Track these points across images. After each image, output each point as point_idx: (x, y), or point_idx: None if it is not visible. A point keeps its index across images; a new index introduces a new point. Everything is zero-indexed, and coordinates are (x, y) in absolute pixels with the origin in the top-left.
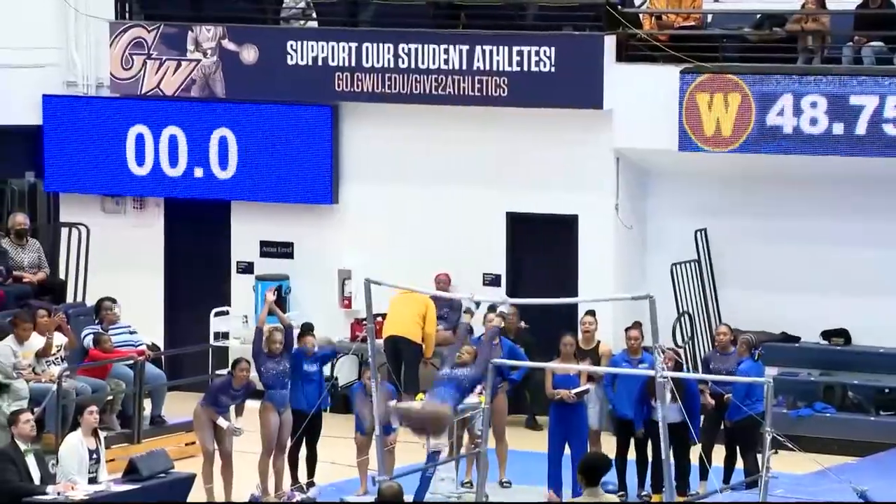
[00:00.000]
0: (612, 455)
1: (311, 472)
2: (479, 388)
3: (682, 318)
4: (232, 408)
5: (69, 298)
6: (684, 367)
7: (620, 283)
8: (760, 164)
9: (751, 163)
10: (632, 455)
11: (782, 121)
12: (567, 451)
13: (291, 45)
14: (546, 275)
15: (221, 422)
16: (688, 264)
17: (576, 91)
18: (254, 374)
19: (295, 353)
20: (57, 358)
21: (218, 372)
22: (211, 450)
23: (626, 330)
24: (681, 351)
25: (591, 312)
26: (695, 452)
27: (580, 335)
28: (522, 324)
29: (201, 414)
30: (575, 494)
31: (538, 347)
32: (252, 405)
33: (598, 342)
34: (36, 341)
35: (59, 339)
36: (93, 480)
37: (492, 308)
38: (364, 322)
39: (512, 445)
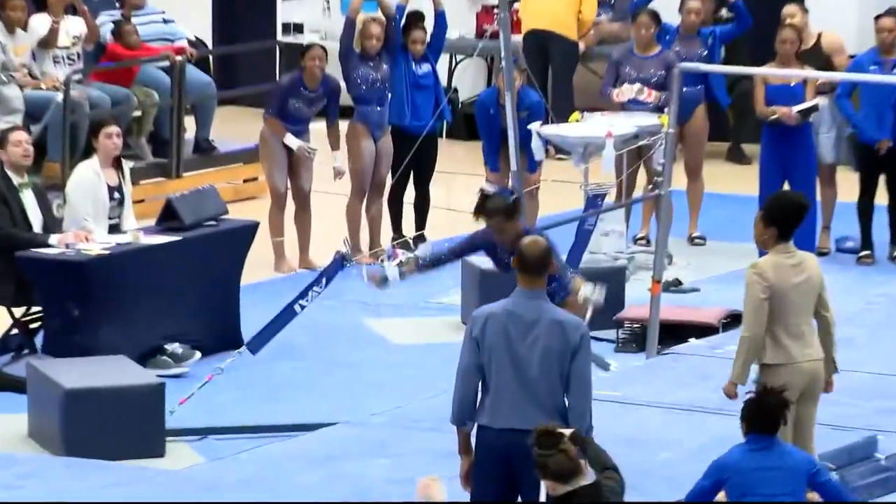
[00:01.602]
0: (853, 199)
1: (420, 222)
2: (653, 95)
3: None
4: (311, 127)
5: None
6: None
7: None
8: None
9: None
10: (882, 199)
11: None
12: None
13: None
14: None
15: (290, 139)
16: None
17: None
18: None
19: (398, 52)
20: (72, 54)
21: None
22: (282, 188)
23: (877, 19)
24: None
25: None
26: None
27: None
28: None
29: (267, 135)
30: None
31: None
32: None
33: (819, 35)
34: (38, 27)
35: (75, 25)
36: (114, 229)
37: None
38: (495, 10)
39: (709, 186)
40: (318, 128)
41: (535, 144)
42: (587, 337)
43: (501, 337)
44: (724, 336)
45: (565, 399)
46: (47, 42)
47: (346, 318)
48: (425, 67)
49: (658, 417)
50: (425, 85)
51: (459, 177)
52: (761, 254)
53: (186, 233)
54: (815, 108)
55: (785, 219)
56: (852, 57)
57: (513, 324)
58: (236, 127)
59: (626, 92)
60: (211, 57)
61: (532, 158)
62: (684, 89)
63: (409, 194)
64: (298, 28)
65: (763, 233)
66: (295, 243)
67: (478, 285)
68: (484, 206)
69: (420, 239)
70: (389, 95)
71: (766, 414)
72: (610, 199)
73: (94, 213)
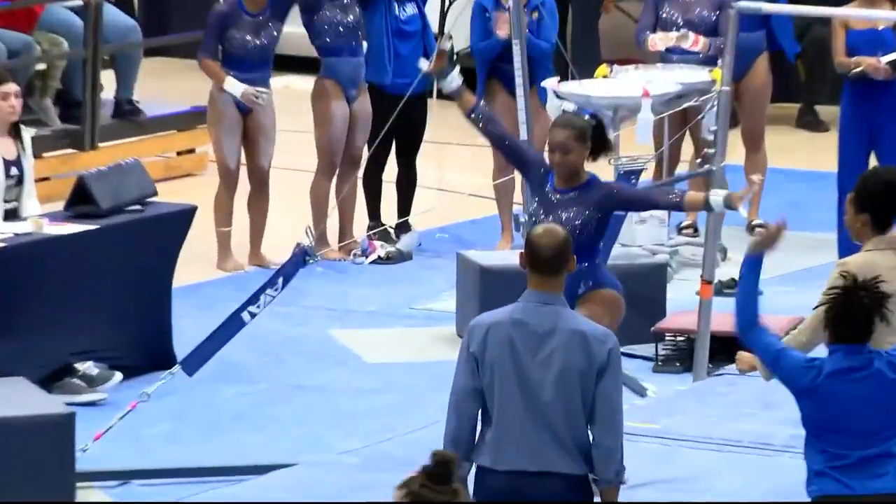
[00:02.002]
0: None
1: (404, 206)
2: (702, 42)
3: None
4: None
5: None
6: None
7: None
8: None
9: None
10: None
11: None
12: (873, 165)
13: None
14: None
15: (231, 84)
16: None
17: None
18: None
19: None
20: None
21: None
22: (233, 163)
23: None
24: None
25: None
26: None
27: None
28: None
29: (217, 93)
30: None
31: None
32: (301, 84)
33: None
34: None
35: None
36: (10, 215)
37: None
38: None
39: (774, 159)
40: (282, 86)
41: (552, 105)
42: (617, 352)
43: (507, 353)
44: None
45: (589, 433)
46: None
47: (308, 329)
48: (410, 10)
49: (708, 458)
50: (411, 32)
51: (453, 148)
52: (848, 249)
53: (103, 220)
54: None
55: (880, 203)
56: None
57: (521, 336)
58: (168, 84)
59: (665, 39)
60: None
61: (542, 88)
62: (740, 35)
63: (391, 170)
64: None
65: (855, 220)
66: (245, 234)
67: (477, 287)
68: (558, 120)
69: (404, 228)
70: (365, 45)
71: (855, 313)
72: (647, 176)
73: None
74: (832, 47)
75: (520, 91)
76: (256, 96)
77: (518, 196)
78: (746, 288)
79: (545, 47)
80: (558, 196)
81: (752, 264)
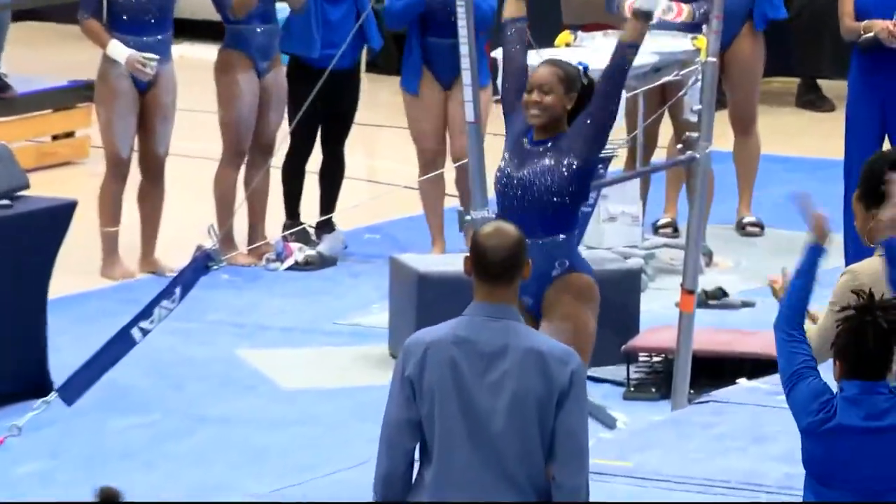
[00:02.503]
0: None
1: (328, 201)
2: (685, 10)
3: None
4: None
5: None
6: None
7: None
8: None
9: None
10: None
11: None
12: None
13: None
14: None
15: (115, 48)
16: None
17: None
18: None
19: None
20: None
21: None
22: (124, 151)
23: None
24: None
25: None
26: None
27: None
28: None
29: (108, 68)
30: None
31: None
32: (201, 54)
33: None
34: None
35: None
36: None
37: None
38: None
39: (768, 145)
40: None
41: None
42: (582, 374)
43: (448, 376)
44: None
45: (547, 469)
46: None
47: (212, 348)
48: None
49: (690, 500)
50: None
51: (385, 132)
52: (857, 254)
53: None
54: None
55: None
56: None
57: (466, 356)
58: (41, 54)
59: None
60: None
61: (485, 67)
62: None
63: (314, 159)
64: None
65: (865, 220)
66: (136, 234)
67: (414, 298)
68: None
69: (327, 227)
70: (286, 8)
71: (872, 343)
72: (619, 164)
73: None
74: (839, 9)
75: (465, 62)
76: (144, 64)
77: (452, 191)
78: (802, 281)
79: (485, 10)
80: (535, 148)
81: (813, 254)
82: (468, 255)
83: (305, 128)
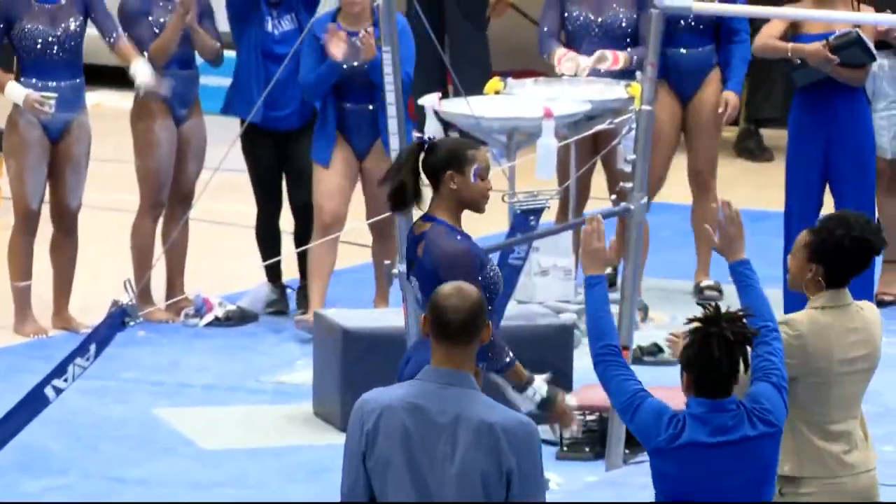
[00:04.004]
0: None
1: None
2: (622, 58)
3: None
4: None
5: None
6: None
7: None
8: None
9: None
10: None
11: None
12: (827, 201)
13: None
14: None
15: (12, 89)
16: None
17: None
18: None
19: None
20: None
21: None
22: (34, 202)
23: None
24: None
25: None
26: None
27: None
28: None
29: (17, 115)
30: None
31: None
32: (116, 101)
33: None
34: None
35: None
36: None
37: None
38: None
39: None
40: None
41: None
42: (533, 445)
43: (399, 448)
44: None
45: None
46: None
47: (129, 408)
48: (287, 24)
49: None
50: (287, 53)
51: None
52: (793, 302)
53: None
54: (855, 42)
55: (844, 259)
56: None
57: (418, 426)
58: None
59: (574, 63)
60: None
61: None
62: (682, 51)
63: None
64: None
65: (803, 268)
66: (48, 289)
67: (339, 355)
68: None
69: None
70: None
71: (715, 358)
72: (550, 216)
73: None
74: (764, 30)
75: (391, 110)
76: (42, 103)
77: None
78: (595, 307)
79: (402, 77)
80: None
81: (592, 282)
82: (426, 314)
83: (267, 187)
